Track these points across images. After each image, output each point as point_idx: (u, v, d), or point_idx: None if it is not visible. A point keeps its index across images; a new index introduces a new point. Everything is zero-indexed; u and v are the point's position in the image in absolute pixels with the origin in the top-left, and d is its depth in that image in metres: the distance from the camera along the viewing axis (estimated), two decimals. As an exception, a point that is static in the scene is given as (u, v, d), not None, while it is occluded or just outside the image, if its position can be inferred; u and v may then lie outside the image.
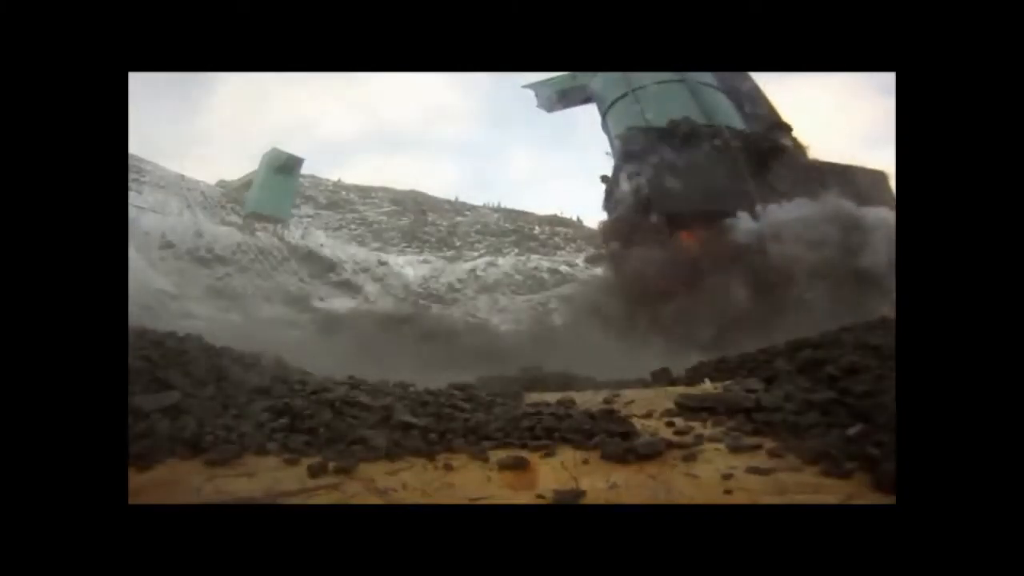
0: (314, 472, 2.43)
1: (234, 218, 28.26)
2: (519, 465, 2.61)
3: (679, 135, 15.60)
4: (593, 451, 2.75)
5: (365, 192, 39.97)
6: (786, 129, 16.76)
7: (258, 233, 27.57)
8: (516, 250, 33.69)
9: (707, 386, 4.26)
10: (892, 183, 14.88)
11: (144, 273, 20.68)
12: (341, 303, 25.35)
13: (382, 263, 30.47)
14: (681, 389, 4.27)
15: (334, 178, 40.88)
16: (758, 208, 13.88)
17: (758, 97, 18.62)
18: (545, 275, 32.28)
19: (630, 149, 16.50)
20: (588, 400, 4.26)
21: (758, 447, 2.69)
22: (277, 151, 28.88)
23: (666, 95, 17.75)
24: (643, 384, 5.26)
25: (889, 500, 1.93)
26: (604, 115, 20.27)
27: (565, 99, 24.22)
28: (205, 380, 3.21)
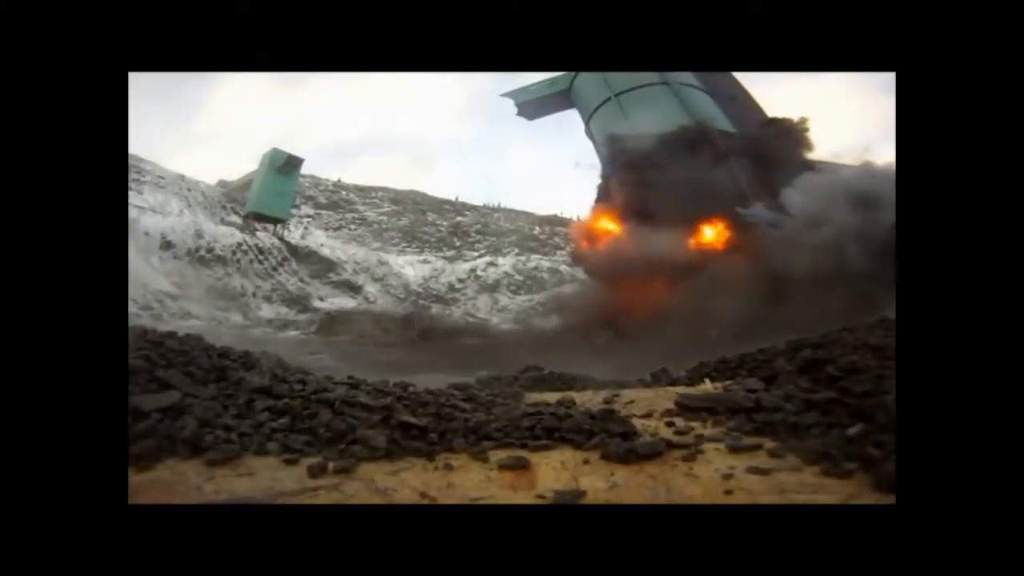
0: (314, 472, 2.43)
1: (234, 218, 28.27)
2: (519, 465, 2.61)
3: (686, 141, 15.47)
4: (593, 451, 2.75)
5: (365, 192, 39.98)
6: (782, 125, 16.60)
7: (258, 233, 27.57)
8: (516, 250, 33.69)
9: (707, 386, 4.26)
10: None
11: (144, 273, 20.68)
12: (341, 303, 25.36)
13: (382, 263, 30.47)
14: (681, 389, 4.27)
15: (334, 178, 40.89)
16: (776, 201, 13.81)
17: (743, 95, 18.43)
18: (545, 275, 32.29)
19: (619, 155, 16.37)
20: (588, 400, 4.26)
21: (758, 447, 2.69)
22: (277, 151, 28.88)
23: (650, 98, 17.55)
24: (643, 384, 5.26)
25: (889, 500, 1.92)
26: (587, 122, 20.09)
27: (545, 106, 23.97)
28: (205, 380, 3.20)
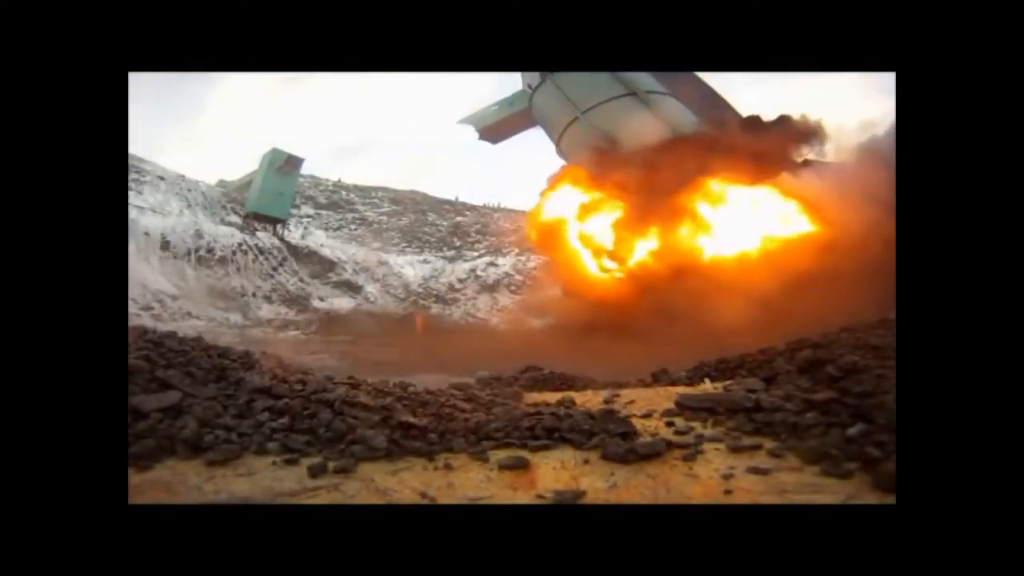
0: (314, 472, 2.43)
1: (234, 218, 28.26)
2: (519, 465, 2.61)
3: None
4: (593, 451, 2.75)
5: (365, 192, 39.97)
6: (755, 121, 16.04)
7: (258, 233, 27.57)
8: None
9: (707, 386, 4.26)
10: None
11: (144, 273, 20.69)
12: (341, 303, 25.36)
13: (382, 263, 30.47)
14: (681, 389, 4.27)
15: (334, 178, 40.88)
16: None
17: (714, 95, 17.67)
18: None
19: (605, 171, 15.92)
20: (588, 400, 4.26)
21: (758, 447, 2.69)
22: (277, 151, 28.86)
23: (620, 111, 16.81)
24: (643, 384, 5.26)
25: (889, 500, 1.93)
26: (557, 143, 19.26)
27: (508, 128, 22.52)
28: (205, 380, 3.20)
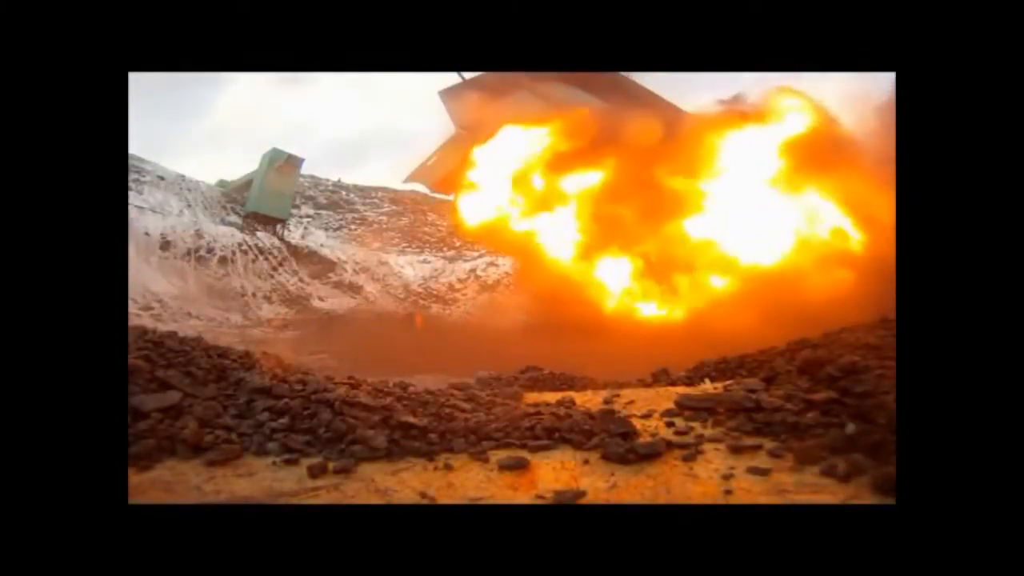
0: (314, 472, 2.44)
1: (234, 218, 28.24)
2: (519, 465, 2.61)
3: None
4: (593, 451, 2.75)
5: (365, 192, 39.92)
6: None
7: (258, 233, 27.55)
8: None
9: (707, 386, 4.26)
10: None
11: (144, 273, 20.68)
12: (341, 303, 25.34)
13: (382, 263, 30.46)
14: (681, 389, 4.27)
15: (334, 178, 40.85)
16: None
17: (651, 97, 16.68)
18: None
19: None
20: (588, 400, 4.26)
21: (758, 447, 2.69)
22: (277, 151, 28.84)
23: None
24: (643, 384, 5.26)
25: (889, 501, 1.92)
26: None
27: (454, 169, 19.09)
28: (205, 380, 3.21)
